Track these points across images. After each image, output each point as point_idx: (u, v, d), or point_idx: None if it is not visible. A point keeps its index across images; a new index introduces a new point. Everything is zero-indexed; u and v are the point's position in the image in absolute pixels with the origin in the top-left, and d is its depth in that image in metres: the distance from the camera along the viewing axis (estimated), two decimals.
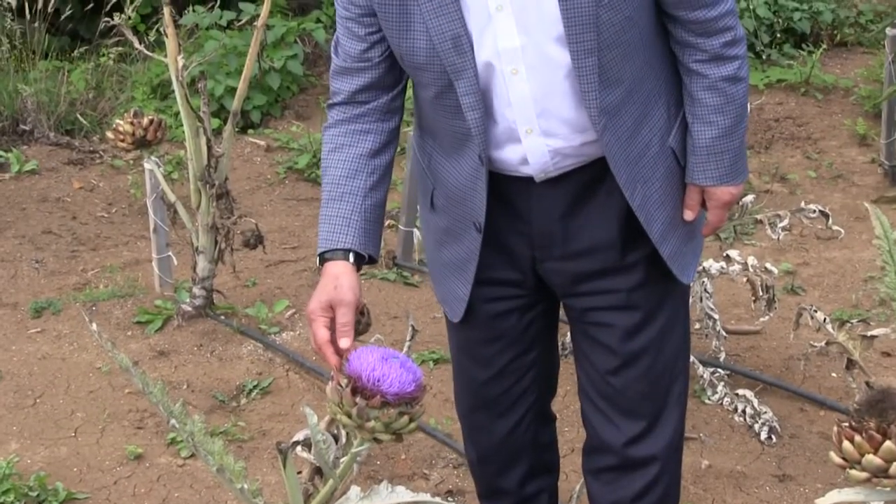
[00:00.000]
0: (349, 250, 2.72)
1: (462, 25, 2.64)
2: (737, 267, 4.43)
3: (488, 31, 2.65)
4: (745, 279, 4.50)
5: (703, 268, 4.42)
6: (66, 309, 5.33)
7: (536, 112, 2.73)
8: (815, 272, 5.67)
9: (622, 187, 2.79)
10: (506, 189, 2.85)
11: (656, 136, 2.83)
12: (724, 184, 2.88)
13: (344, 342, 2.57)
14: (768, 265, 4.47)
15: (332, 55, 2.85)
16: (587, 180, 2.83)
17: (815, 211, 4.45)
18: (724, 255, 4.48)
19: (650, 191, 2.84)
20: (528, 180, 2.83)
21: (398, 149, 2.97)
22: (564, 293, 2.97)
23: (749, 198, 4.54)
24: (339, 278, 2.66)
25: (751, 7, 7.86)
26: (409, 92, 2.96)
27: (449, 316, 3.04)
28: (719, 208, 2.92)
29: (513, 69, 2.68)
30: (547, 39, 2.65)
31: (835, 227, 4.51)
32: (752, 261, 4.44)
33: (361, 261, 2.74)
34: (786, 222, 4.46)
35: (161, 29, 5.57)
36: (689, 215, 2.91)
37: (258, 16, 5.15)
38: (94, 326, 2.70)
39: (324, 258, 2.74)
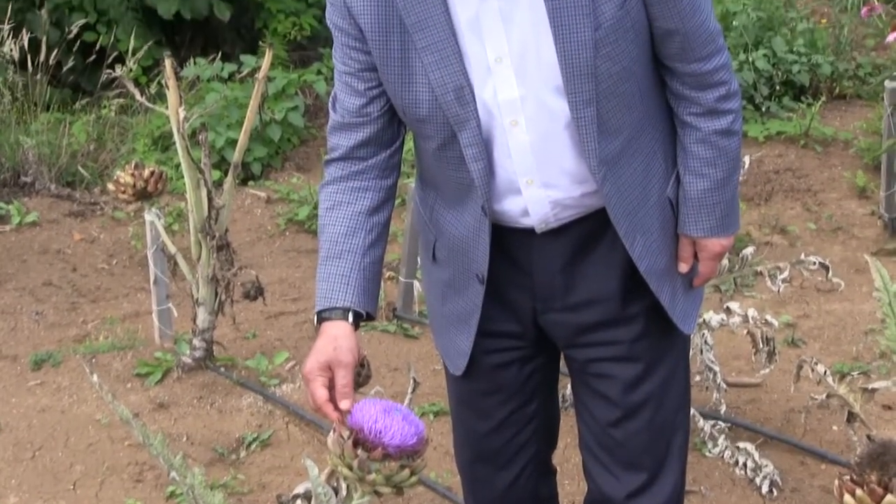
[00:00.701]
0: (348, 309, 2.71)
1: (464, 76, 2.66)
2: (737, 319, 4.43)
3: (488, 83, 2.67)
4: (745, 331, 4.49)
5: (704, 320, 4.42)
6: (66, 361, 5.32)
7: (536, 163, 2.74)
8: (815, 325, 5.66)
9: (622, 237, 2.80)
10: (507, 241, 2.85)
11: (655, 187, 2.84)
12: (715, 236, 2.89)
13: (344, 404, 2.55)
14: (769, 317, 4.47)
15: (330, 111, 2.86)
16: (587, 232, 2.84)
17: (815, 263, 4.46)
18: (725, 307, 4.48)
19: (649, 241, 2.84)
20: (529, 232, 2.84)
21: (398, 201, 2.97)
22: (566, 345, 2.96)
23: (749, 250, 4.54)
24: (338, 339, 2.65)
25: (750, 60, 7.89)
26: (410, 145, 2.97)
27: (450, 369, 3.03)
28: (710, 260, 2.93)
29: (512, 121, 2.69)
30: (546, 90, 2.66)
31: (835, 280, 4.50)
32: (752, 313, 4.44)
33: (359, 319, 2.74)
34: (786, 274, 4.46)
35: (162, 81, 5.60)
36: (682, 267, 2.92)
37: (259, 68, 5.17)
38: (95, 378, 2.70)
39: (321, 317, 2.72)
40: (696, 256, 2.93)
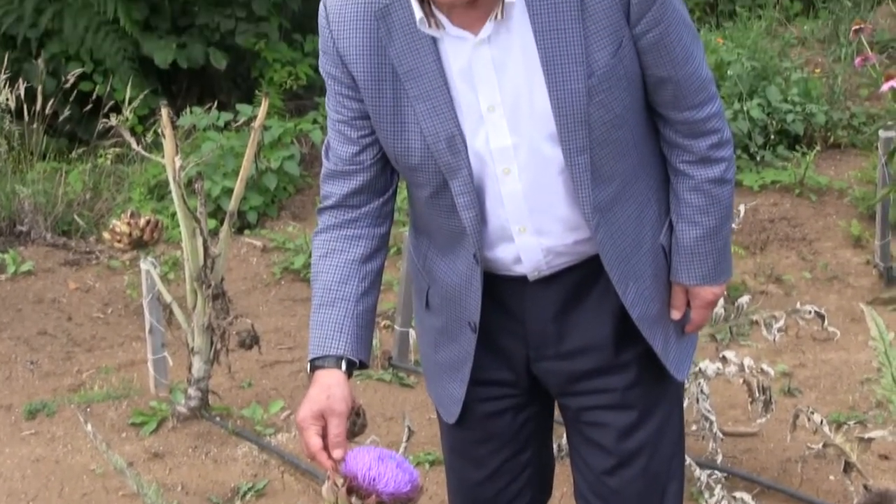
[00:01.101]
0: (341, 357, 2.71)
1: (456, 125, 2.66)
2: (733, 368, 4.42)
3: (480, 131, 2.67)
4: (741, 380, 4.49)
5: (700, 369, 4.41)
6: (61, 411, 5.31)
7: (529, 210, 2.74)
8: (811, 374, 5.65)
9: (614, 284, 2.80)
10: (499, 289, 2.85)
11: (648, 234, 2.85)
12: (707, 284, 2.90)
13: (337, 453, 2.55)
14: (764, 366, 4.46)
15: (323, 159, 2.87)
16: (580, 279, 2.84)
17: (810, 312, 4.46)
18: (721, 356, 4.47)
19: (642, 287, 2.84)
20: (522, 280, 2.84)
21: (395, 249, 2.98)
22: (559, 392, 2.96)
23: (745, 299, 4.54)
24: (332, 388, 2.65)
25: (745, 109, 7.92)
26: (405, 193, 2.97)
27: (444, 417, 3.02)
28: (702, 308, 2.94)
29: (505, 169, 2.70)
30: (539, 138, 2.67)
31: (831, 329, 4.50)
32: (748, 362, 4.43)
33: (353, 367, 2.73)
34: (781, 323, 4.46)
35: (158, 130, 5.61)
36: (675, 314, 2.92)
37: (255, 117, 5.18)
38: (89, 428, 2.69)
39: (315, 365, 2.72)
40: (688, 304, 2.94)
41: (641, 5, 2.62)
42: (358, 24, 2.69)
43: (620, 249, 2.80)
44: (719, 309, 4.44)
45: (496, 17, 2.60)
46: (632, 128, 2.74)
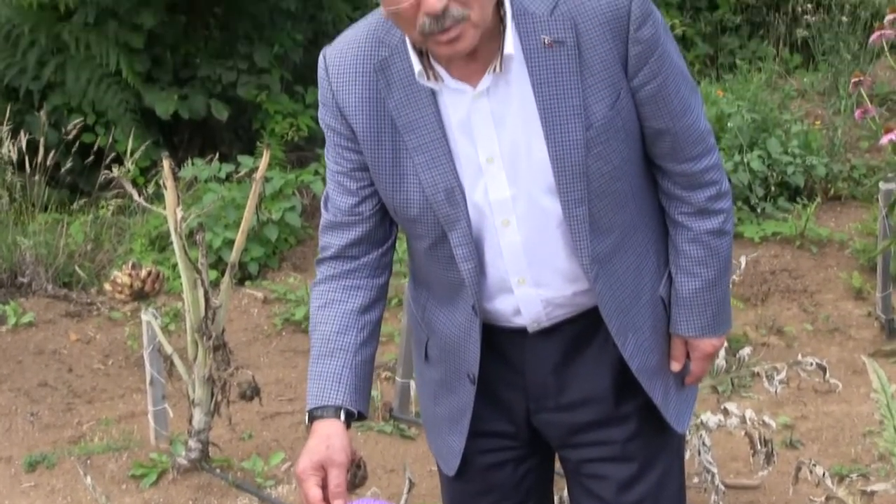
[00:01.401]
0: (340, 407, 2.70)
1: (455, 177, 2.67)
2: (734, 420, 4.41)
3: (479, 183, 2.68)
4: (743, 433, 4.47)
5: (701, 421, 4.40)
6: (61, 463, 5.29)
7: (528, 262, 2.74)
8: (813, 426, 5.64)
9: (614, 336, 2.80)
10: (499, 341, 2.85)
11: (647, 285, 2.85)
12: (707, 336, 2.90)
13: (338, 503, 2.55)
14: (766, 418, 4.45)
15: (322, 210, 2.88)
16: (580, 331, 2.84)
17: (812, 364, 4.45)
18: (722, 408, 4.46)
19: (641, 339, 2.84)
20: (521, 332, 2.84)
21: (395, 301, 2.98)
22: (559, 444, 2.95)
23: (746, 350, 4.53)
24: (331, 438, 2.64)
25: (745, 161, 7.93)
26: (405, 245, 2.97)
27: (443, 469, 3.01)
28: (702, 359, 2.94)
29: (504, 220, 2.70)
30: (537, 189, 2.67)
31: (832, 381, 4.50)
32: (749, 414, 4.42)
33: (351, 418, 2.73)
34: (783, 375, 4.45)
35: (160, 181, 5.62)
36: (674, 366, 2.92)
37: (257, 168, 5.19)
38: (89, 480, 2.69)
39: (313, 415, 2.71)
40: (688, 355, 2.94)
41: (639, 58, 2.63)
42: (357, 76, 2.70)
43: (619, 301, 2.80)
44: (720, 360, 4.43)
45: (495, 69, 2.61)
46: (630, 179, 2.74)
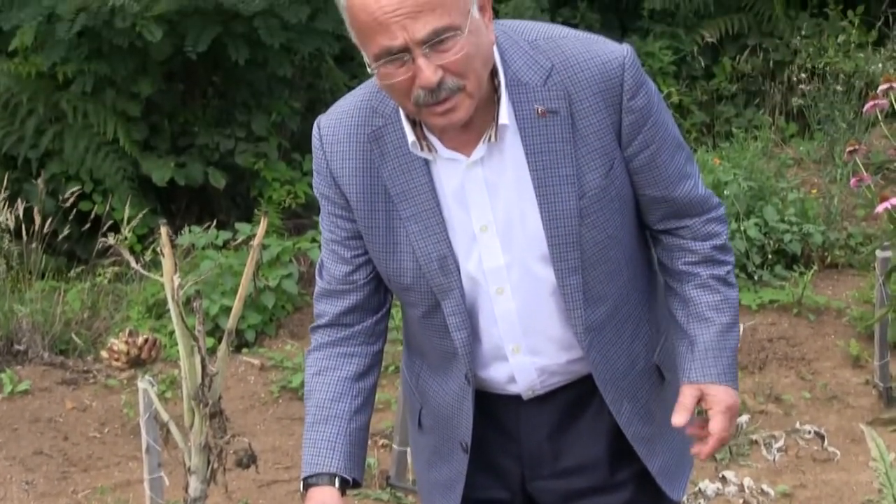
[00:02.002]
0: (335, 475, 2.70)
1: (448, 246, 2.68)
2: (733, 488, 4.39)
3: (473, 251, 2.69)
4: (741, 501, 4.46)
5: (699, 489, 4.38)
6: None
7: (522, 330, 2.74)
8: (812, 494, 5.62)
9: (609, 404, 2.79)
10: (493, 408, 2.85)
11: (642, 353, 2.84)
12: (725, 383, 2.76)
13: None
14: (764, 487, 4.43)
15: (317, 278, 2.89)
16: (575, 398, 2.83)
17: (810, 432, 4.44)
18: (720, 475, 4.44)
19: (637, 406, 2.83)
20: (516, 399, 2.84)
21: (392, 367, 2.98)
22: None
23: (744, 418, 4.53)
24: None
25: (742, 229, 7.95)
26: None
27: None
28: (722, 413, 2.73)
29: (498, 288, 2.70)
30: (531, 258, 2.68)
31: (831, 449, 4.48)
32: (748, 482, 4.40)
33: (346, 485, 2.72)
34: (781, 443, 4.44)
35: (157, 249, 5.62)
36: (679, 417, 2.70)
37: (254, 235, 5.19)
38: None
39: (308, 482, 2.71)
40: (701, 426, 2.77)
41: (632, 127, 2.65)
42: (351, 145, 2.71)
43: (614, 369, 2.80)
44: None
45: (489, 138, 2.62)
46: (624, 248, 2.75)
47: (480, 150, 2.63)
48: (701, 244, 2.78)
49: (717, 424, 2.72)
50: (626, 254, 2.75)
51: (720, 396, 2.75)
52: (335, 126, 2.74)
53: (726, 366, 2.78)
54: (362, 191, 2.72)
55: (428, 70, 2.45)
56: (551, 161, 2.63)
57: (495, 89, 2.62)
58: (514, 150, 2.64)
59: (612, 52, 2.64)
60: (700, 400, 2.75)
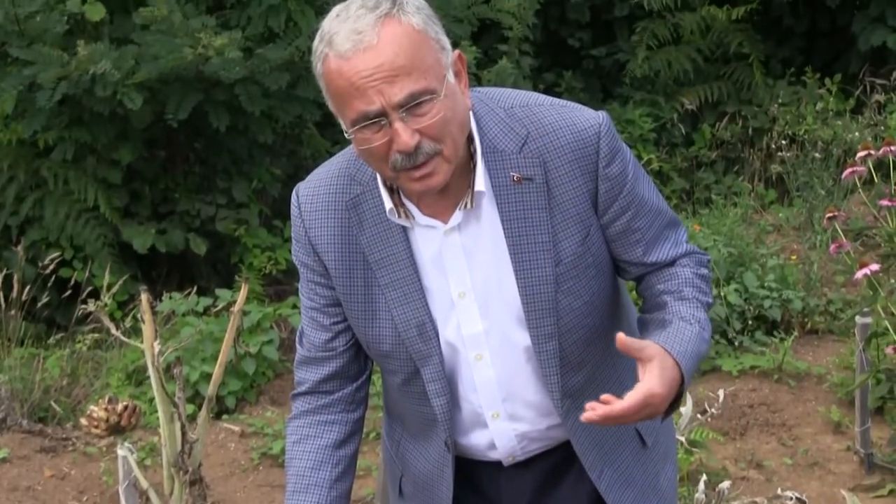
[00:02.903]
0: None
1: (427, 313, 2.68)
2: None
3: (451, 317, 2.70)
4: None
5: None
6: None
7: (502, 396, 2.75)
8: None
9: (588, 469, 2.79)
10: (474, 474, 2.85)
11: None
12: (680, 361, 2.58)
13: None
14: None
15: (298, 345, 2.89)
16: (555, 463, 2.84)
17: (792, 498, 4.44)
18: None
19: (617, 473, 2.84)
20: (497, 465, 2.84)
21: (374, 434, 2.98)
22: None
23: (725, 484, 4.52)
24: None
25: (722, 294, 7.96)
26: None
27: None
28: (644, 393, 2.51)
29: (477, 355, 2.71)
30: (509, 323, 2.69)
31: None
32: None
33: None
34: None
35: (138, 315, 5.61)
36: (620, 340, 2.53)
37: (235, 302, 5.19)
38: None
39: None
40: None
41: (608, 194, 2.66)
42: (329, 213, 2.72)
43: (593, 435, 2.80)
44: (700, 494, 4.41)
45: (466, 205, 2.63)
46: (601, 313, 2.75)
47: (457, 216, 2.65)
48: (683, 269, 2.78)
49: (627, 401, 2.51)
50: (603, 319, 2.76)
51: (662, 366, 2.55)
52: (314, 194, 2.75)
53: (692, 353, 2.62)
54: (341, 258, 2.73)
55: (405, 134, 2.46)
56: (527, 228, 2.64)
57: (471, 156, 2.63)
58: (490, 216, 2.65)
59: (588, 119, 2.66)
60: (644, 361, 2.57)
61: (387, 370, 2.85)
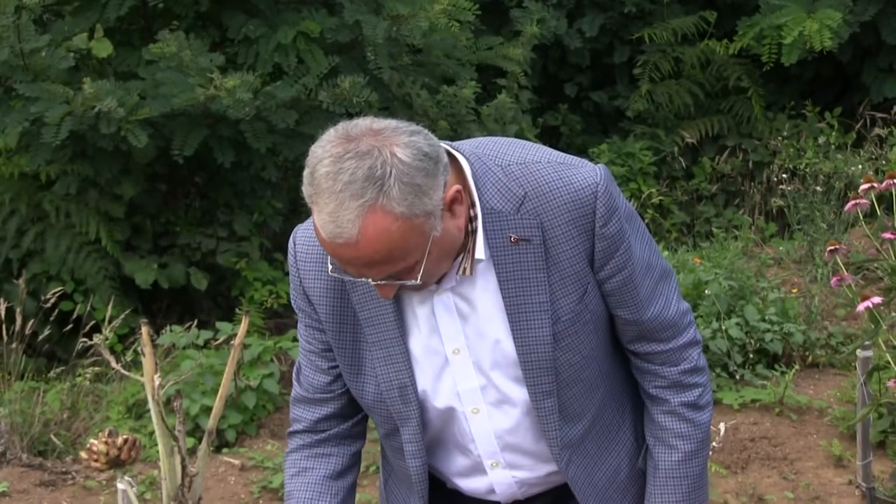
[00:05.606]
0: None
1: (409, 376, 2.68)
2: None
3: (446, 374, 2.69)
4: None
5: None
6: None
7: (500, 447, 2.76)
8: None
9: None
10: None
11: (625, 460, 2.84)
12: None
13: None
14: None
15: (294, 382, 2.90)
16: (556, 501, 2.83)
17: None
18: None
19: None
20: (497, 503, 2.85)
21: (374, 468, 2.99)
22: None
23: None
24: None
25: (723, 328, 7.95)
26: None
27: None
28: None
29: (473, 409, 2.71)
30: (505, 380, 2.69)
31: None
32: None
33: None
34: None
35: (138, 349, 5.60)
36: None
37: (235, 335, 5.19)
38: None
39: None
40: None
41: (605, 252, 2.65)
42: (323, 266, 2.72)
43: (595, 481, 2.79)
44: None
45: (464, 272, 2.62)
46: (600, 365, 2.75)
47: (452, 280, 2.64)
48: (670, 369, 2.79)
49: None
50: (602, 370, 2.76)
51: None
52: (310, 244, 2.74)
53: (685, 492, 2.81)
54: (332, 311, 2.73)
55: (386, 290, 2.50)
56: (524, 288, 2.63)
57: (470, 221, 2.62)
58: (486, 277, 2.65)
59: (585, 178, 2.63)
60: None
61: (374, 421, 2.86)
